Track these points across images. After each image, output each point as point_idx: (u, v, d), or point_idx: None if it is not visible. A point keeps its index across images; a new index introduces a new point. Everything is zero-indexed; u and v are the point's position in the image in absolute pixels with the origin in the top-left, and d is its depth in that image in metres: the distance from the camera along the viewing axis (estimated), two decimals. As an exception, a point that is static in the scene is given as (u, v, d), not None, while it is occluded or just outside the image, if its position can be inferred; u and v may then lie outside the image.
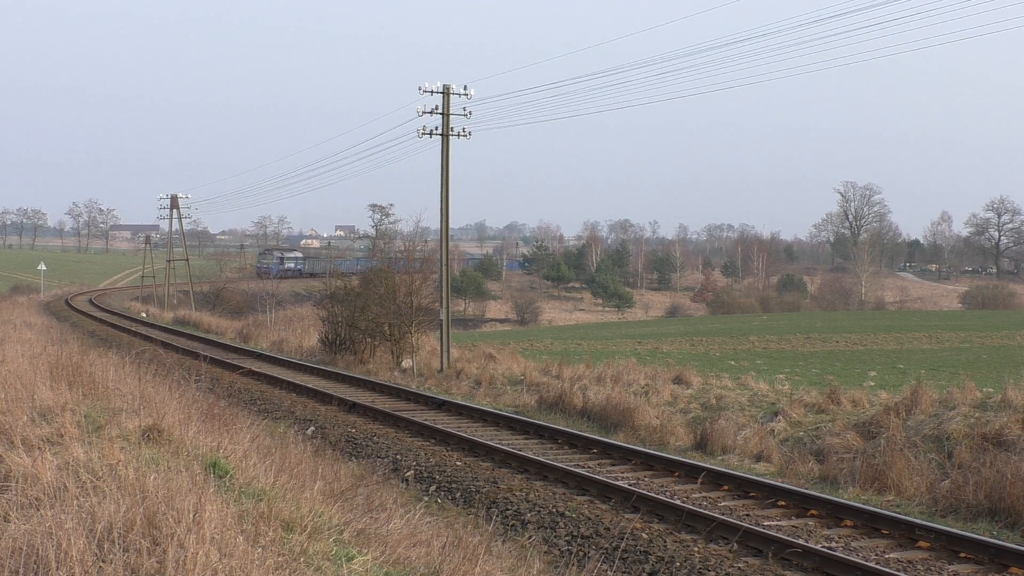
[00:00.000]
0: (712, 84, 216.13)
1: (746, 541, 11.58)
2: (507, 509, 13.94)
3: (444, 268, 33.92)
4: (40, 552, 6.09)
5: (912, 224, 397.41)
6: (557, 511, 13.55)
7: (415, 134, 33.27)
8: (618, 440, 18.73)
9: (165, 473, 8.08)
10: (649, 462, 16.45)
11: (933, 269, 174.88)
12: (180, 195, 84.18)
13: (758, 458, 17.16)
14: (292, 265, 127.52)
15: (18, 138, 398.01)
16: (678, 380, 24.54)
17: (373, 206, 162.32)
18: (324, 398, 25.27)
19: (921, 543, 11.58)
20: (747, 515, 13.15)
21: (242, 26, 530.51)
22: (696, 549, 11.56)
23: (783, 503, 13.66)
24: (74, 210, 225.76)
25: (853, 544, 11.77)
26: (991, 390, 18.80)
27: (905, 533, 11.85)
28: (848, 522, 12.61)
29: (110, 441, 9.54)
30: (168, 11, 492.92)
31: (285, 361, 35.70)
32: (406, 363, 33.02)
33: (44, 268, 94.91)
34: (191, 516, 6.54)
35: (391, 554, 7.97)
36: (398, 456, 17.86)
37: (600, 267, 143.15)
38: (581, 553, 11.76)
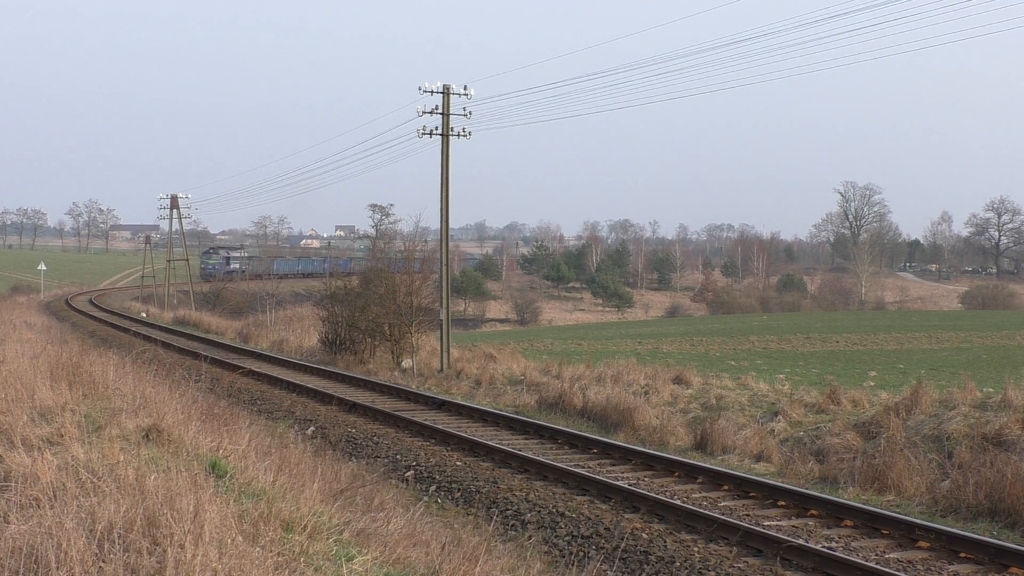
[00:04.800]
0: (712, 84, 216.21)
1: (746, 541, 11.58)
2: (507, 509, 13.94)
3: (444, 268, 33.92)
4: (40, 552, 6.09)
5: (912, 224, 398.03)
6: (557, 511, 13.55)
7: (415, 134, 33.28)
8: (618, 440, 18.73)
9: (165, 473, 8.07)
10: (649, 462, 16.45)
11: (933, 269, 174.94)
12: (180, 195, 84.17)
13: (758, 458, 17.16)
14: (237, 266, 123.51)
15: (18, 138, 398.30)
16: (678, 380, 24.52)
17: (373, 206, 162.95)
18: (324, 398, 25.27)
19: (921, 543, 11.58)
20: (747, 515, 13.15)
21: (242, 26, 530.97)
22: (696, 549, 11.56)
23: (783, 503, 13.66)
24: (74, 210, 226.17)
25: (853, 544, 11.77)
26: (991, 390, 18.81)
27: (905, 533, 11.85)
28: (848, 522, 12.61)
29: (110, 441, 9.53)
30: (168, 11, 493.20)
31: (285, 361, 35.70)
32: (406, 363, 33.02)
33: (44, 268, 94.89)
34: (191, 516, 6.53)
35: (391, 554, 7.97)
36: (398, 456, 17.86)
37: (600, 267, 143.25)
38: (581, 553, 11.77)
